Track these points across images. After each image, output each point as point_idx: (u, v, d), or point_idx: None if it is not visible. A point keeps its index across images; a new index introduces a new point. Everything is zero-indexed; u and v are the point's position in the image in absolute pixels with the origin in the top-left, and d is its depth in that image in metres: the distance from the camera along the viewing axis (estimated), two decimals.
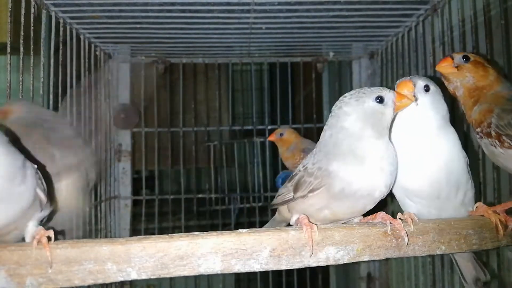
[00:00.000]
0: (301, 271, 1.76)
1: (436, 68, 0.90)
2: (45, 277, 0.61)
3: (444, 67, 0.88)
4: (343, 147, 0.72)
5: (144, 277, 0.64)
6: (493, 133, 0.81)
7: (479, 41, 1.11)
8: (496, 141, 0.81)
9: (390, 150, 0.74)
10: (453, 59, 0.88)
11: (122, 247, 0.64)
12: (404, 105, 0.75)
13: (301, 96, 2.23)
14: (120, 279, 0.63)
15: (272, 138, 1.55)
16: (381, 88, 0.75)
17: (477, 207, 0.83)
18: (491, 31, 1.10)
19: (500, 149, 0.81)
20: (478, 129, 0.85)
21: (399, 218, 0.73)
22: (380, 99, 0.73)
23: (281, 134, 1.52)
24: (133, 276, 0.64)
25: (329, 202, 0.74)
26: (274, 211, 0.95)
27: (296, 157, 1.46)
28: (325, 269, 2.06)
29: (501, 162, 0.84)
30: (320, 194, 0.73)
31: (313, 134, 1.83)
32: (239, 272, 0.67)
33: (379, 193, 0.73)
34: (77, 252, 0.62)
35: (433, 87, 0.81)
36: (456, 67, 0.87)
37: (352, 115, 0.73)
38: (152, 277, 0.64)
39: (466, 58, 0.87)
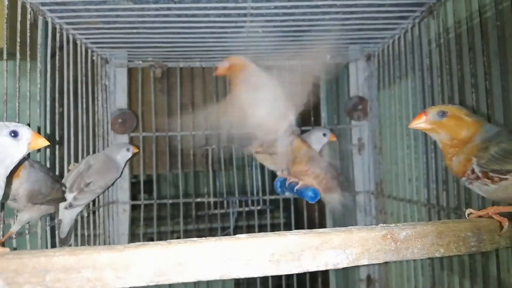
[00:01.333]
0: (301, 274, 1.75)
1: (409, 126, 0.89)
2: (43, 285, 0.61)
3: (417, 126, 0.87)
4: None
5: (142, 284, 0.64)
6: (480, 175, 0.82)
7: (475, 43, 1.12)
8: (486, 179, 0.81)
9: None
10: (427, 114, 0.86)
11: (120, 254, 0.63)
12: None
13: None
14: (119, 286, 0.63)
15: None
16: None
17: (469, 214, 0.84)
18: (486, 33, 1.10)
19: (494, 185, 0.81)
20: (464, 178, 0.86)
21: None
22: None
23: None
24: (132, 283, 0.63)
25: None
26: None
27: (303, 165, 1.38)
28: (324, 272, 2.05)
29: (500, 196, 0.84)
30: None
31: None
32: (238, 277, 0.67)
33: None
34: (75, 259, 0.62)
35: None
36: (430, 123, 0.86)
37: None
38: (150, 283, 0.64)
39: (442, 113, 0.85)
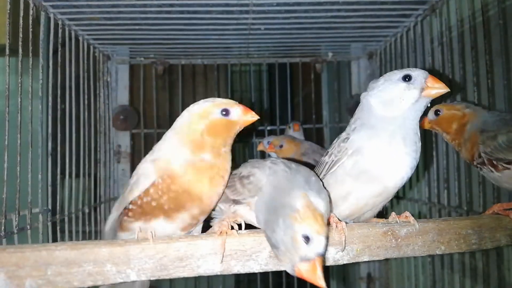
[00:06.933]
0: None
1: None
2: (44, 279, 0.61)
3: (423, 126, 0.99)
4: None
5: (143, 278, 0.64)
6: (485, 161, 0.87)
7: (478, 41, 1.11)
8: (490, 167, 0.86)
9: None
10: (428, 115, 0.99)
11: (121, 248, 0.64)
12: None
13: (300, 97, 2.24)
14: (120, 280, 0.63)
15: (271, 150, 1.53)
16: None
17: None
18: (489, 31, 1.10)
19: (498, 173, 0.85)
20: (474, 163, 0.92)
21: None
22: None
23: (281, 146, 1.50)
24: (133, 277, 0.64)
25: None
26: None
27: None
28: (325, 269, 2.05)
29: (504, 185, 0.88)
30: None
31: (312, 134, 1.83)
32: (238, 273, 0.67)
33: None
34: (76, 254, 0.62)
35: None
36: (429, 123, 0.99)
37: None
38: (151, 278, 0.64)
39: (436, 112, 0.97)
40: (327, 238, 0.61)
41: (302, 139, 1.64)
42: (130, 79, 1.76)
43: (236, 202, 0.73)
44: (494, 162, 0.84)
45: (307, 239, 0.59)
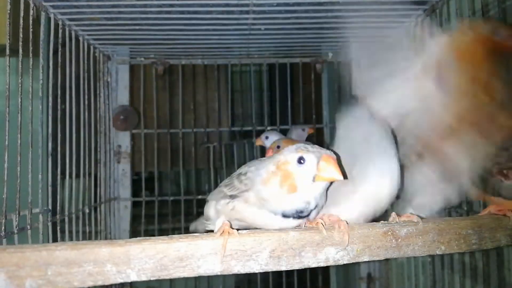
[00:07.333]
0: (302, 272, 1.75)
1: None
2: (45, 279, 0.61)
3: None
4: None
5: (143, 278, 0.64)
6: (494, 171, 0.83)
7: None
8: (500, 176, 0.83)
9: None
10: None
11: (121, 248, 0.64)
12: None
13: (300, 97, 2.24)
14: (120, 280, 0.63)
15: (270, 154, 1.53)
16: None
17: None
18: None
19: (508, 182, 0.83)
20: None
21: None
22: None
23: (278, 147, 1.51)
24: (133, 277, 0.64)
25: None
26: None
27: None
28: (325, 270, 2.05)
29: None
30: None
31: (312, 135, 1.83)
32: (238, 273, 0.67)
33: None
34: (76, 254, 0.62)
35: None
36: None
37: None
38: (151, 278, 0.64)
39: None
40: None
41: (302, 140, 1.64)
42: (130, 79, 1.76)
43: (233, 197, 0.74)
44: (505, 172, 0.82)
45: (302, 159, 0.68)
